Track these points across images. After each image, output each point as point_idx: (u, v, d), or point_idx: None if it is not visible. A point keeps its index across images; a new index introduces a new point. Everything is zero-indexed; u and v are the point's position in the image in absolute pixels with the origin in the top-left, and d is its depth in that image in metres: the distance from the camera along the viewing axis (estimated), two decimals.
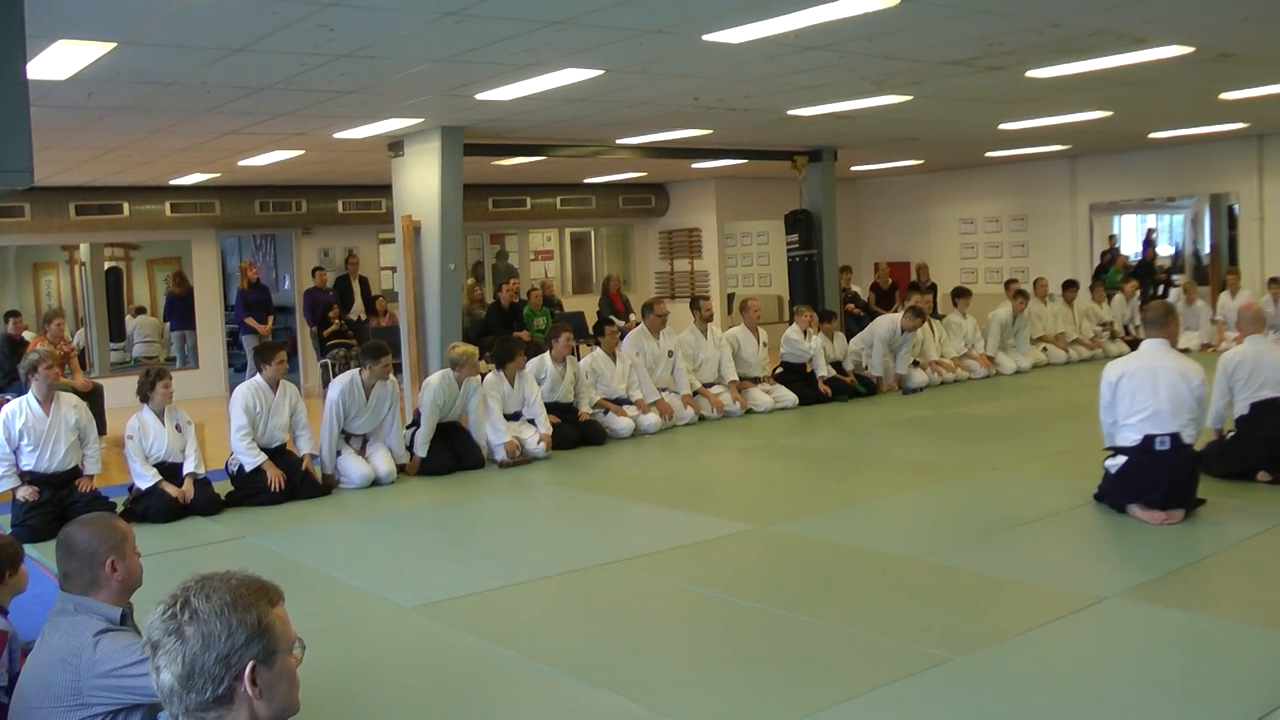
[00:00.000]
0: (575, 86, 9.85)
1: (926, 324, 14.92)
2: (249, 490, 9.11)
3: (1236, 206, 19.07)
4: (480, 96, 10.21)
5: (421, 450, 10.01)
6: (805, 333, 13.66)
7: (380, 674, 5.21)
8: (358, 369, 9.78)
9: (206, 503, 8.82)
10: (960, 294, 15.99)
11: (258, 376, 9.50)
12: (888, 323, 14.33)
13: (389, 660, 5.44)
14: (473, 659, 5.35)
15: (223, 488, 9.15)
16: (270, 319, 16.87)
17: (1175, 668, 4.96)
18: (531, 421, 10.68)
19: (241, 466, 9.18)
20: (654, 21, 7.66)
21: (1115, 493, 7.60)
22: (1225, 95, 12.60)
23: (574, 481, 9.71)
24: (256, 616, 2.34)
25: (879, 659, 5.08)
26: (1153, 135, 17.17)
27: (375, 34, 7.59)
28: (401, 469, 9.96)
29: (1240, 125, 16.40)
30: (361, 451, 9.82)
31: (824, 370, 13.62)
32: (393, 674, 5.22)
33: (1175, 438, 7.29)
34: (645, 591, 6.41)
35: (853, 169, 20.94)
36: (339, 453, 9.70)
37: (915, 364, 14.49)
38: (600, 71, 9.30)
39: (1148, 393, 7.35)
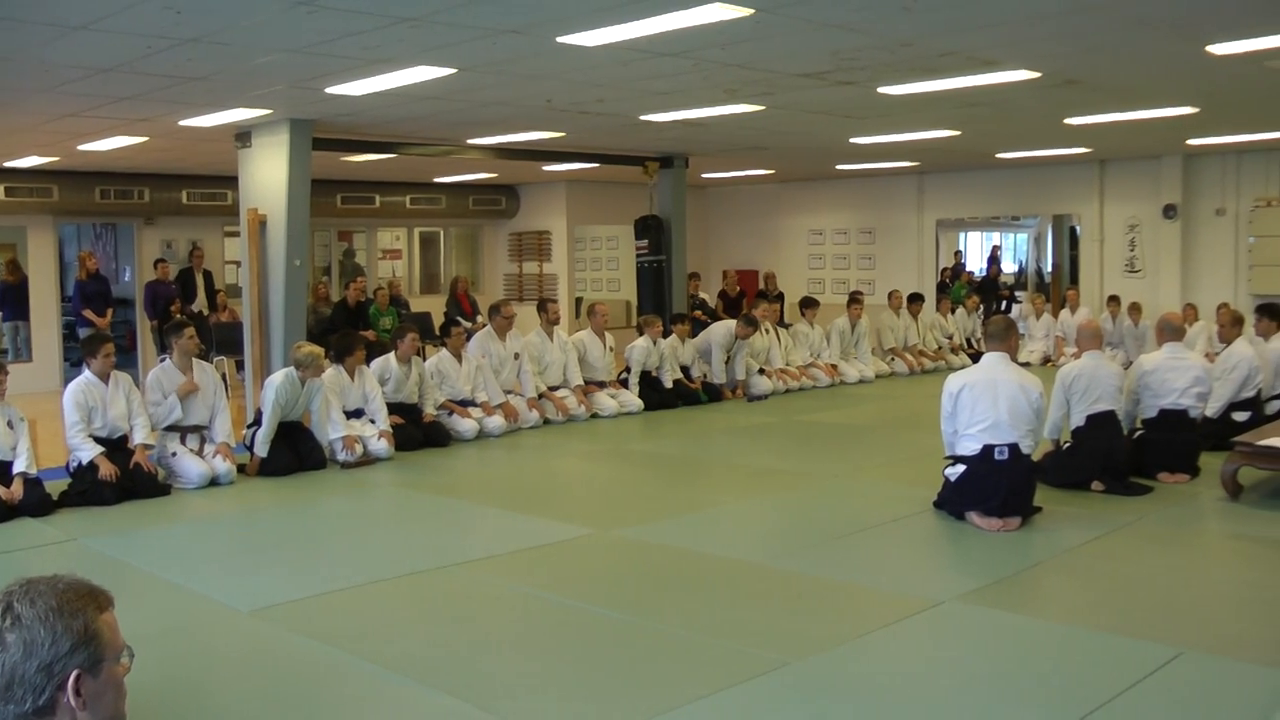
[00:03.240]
0: (427, 84, 9.76)
1: (773, 332, 15.14)
2: (87, 485, 8.80)
3: (1078, 227, 19.69)
4: (331, 90, 10.07)
5: (262, 450, 9.80)
6: (655, 343, 13.71)
7: (214, 681, 5.08)
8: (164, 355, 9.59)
9: (37, 503, 8.45)
10: (808, 304, 16.26)
11: (86, 371, 9.20)
12: (723, 329, 14.55)
13: (223, 666, 5.31)
14: (310, 663, 5.25)
15: (55, 487, 8.82)
16: (109, 311, 16.44)
17: (1007, 669, 5.08)
18: (374, 420, 10.58)
19: (80, 462, 8.90)
20: (508, 22, 7.61)
21: (954, 500, 7.79)
22: (1070, 120, 12.95)
23: (417, 483, 9.61)
24: (83, 623, 2.25)
25: (718, 663, 5.10)
26: (1000, 155, 17.61)
27: (224, 20, 7.42)
28: (241, 469, 9.75)
29: (1083, 150, 16.91)
30: (199, 451, 9.59)
31: (668, 380, 13.74)
32: (227, 680, 5.10)
33: (1014, 448, 7.50)
34: (486, 595, 6.36)
35: (704, 176, 21.11)
36: (174, 454, 9.47)
37: (761, 371, 14.66)
38: (453, 70, 9.22)
39: (988, 404, 7.54)
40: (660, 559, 7.06)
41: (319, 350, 10.15)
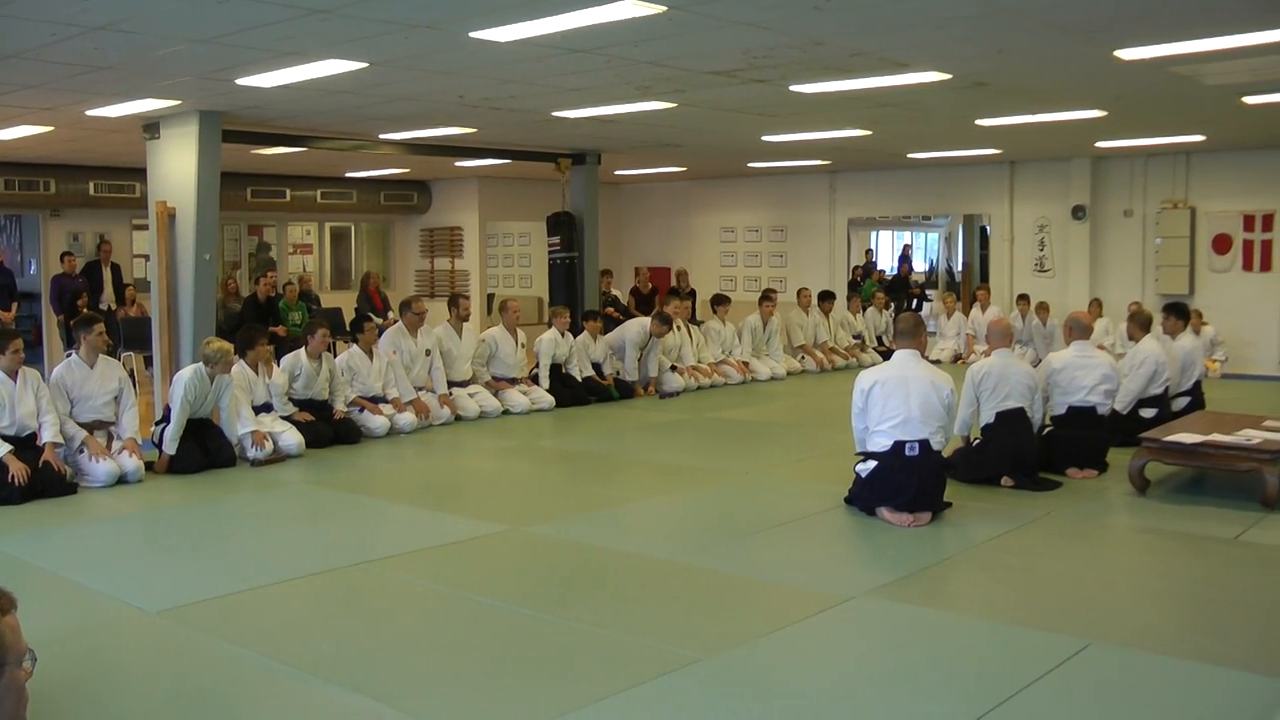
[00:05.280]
0: (339, 78, 9.67)
1: (685, 330, 15.17)
2: None
3: (988, 227, 19.90)
4: (241, 82, 9.93)
5: (171, 447, 9.65)
6: (563, 334, 13.69)
7: (119, 684, 4.98)
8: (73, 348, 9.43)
9: None
10: (719, 301, 16.31)
11: None
12: (637, 326, 14.54)
13: (129, 669, 5.21)
14: (219, 664, 5.18)
15: None
16: (14, 306, 16.12)
17: (916, 662, 5.13)
18: (285, 418, 10.50)
19: None
20: (421, 16, 7.56)
21: (865, 496, 7.85)
22: (980, 121, 13.08)
23: (327, 480, 9.52)
24: None
25: (629, 660, 5.11)
26: (911, 155, 17.74)
27: (131, 7, 7.27)
28: (150, 466, 9.59)
29: (994, 151, 17.10)
30: (106, 448, 9.42)
31: (579, 374, 13.76)
32: (133, 684, 5.00)
33: (924, 444, 7.57)
34: (397, 593, 6.31)
35: (616, 173, 21.09)
36: (81, 450, 9.28)
37: (673, 368, 14.68)
38: (364, 64, 9.13)
39: (899, 400, 7.60)
40: (572, 556, 7.06)
41: (228, 346, 10.00)
